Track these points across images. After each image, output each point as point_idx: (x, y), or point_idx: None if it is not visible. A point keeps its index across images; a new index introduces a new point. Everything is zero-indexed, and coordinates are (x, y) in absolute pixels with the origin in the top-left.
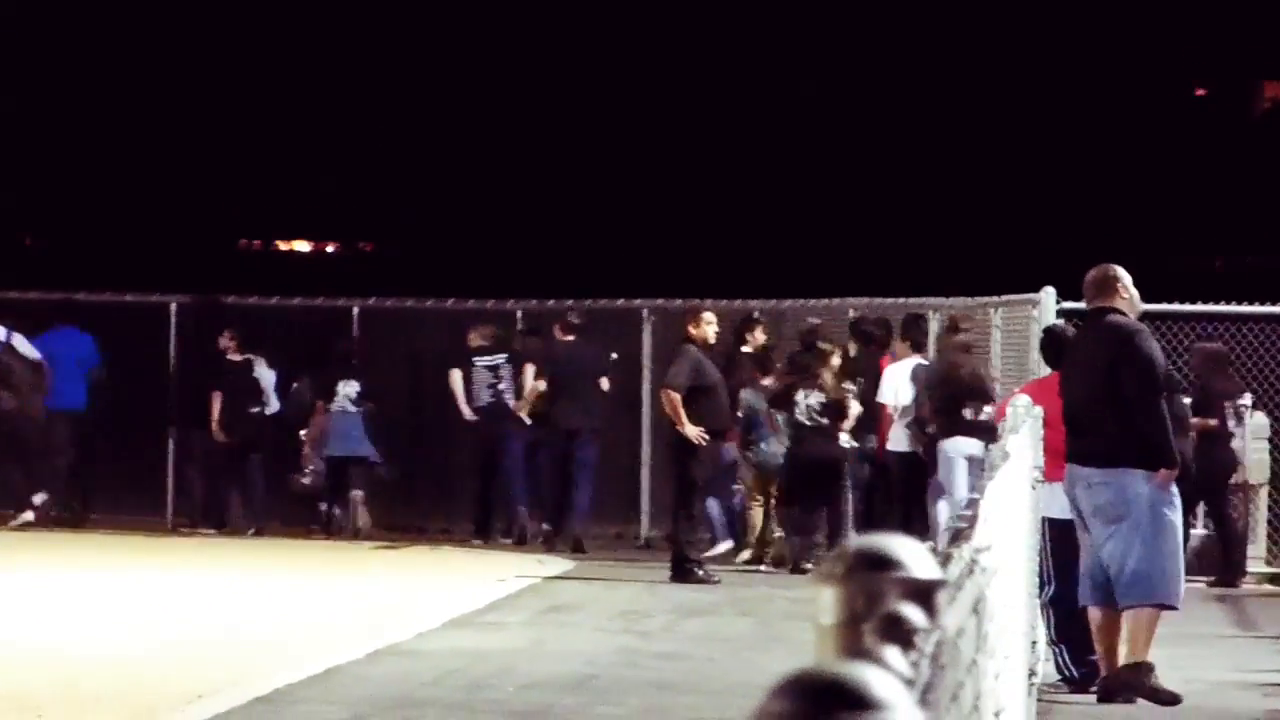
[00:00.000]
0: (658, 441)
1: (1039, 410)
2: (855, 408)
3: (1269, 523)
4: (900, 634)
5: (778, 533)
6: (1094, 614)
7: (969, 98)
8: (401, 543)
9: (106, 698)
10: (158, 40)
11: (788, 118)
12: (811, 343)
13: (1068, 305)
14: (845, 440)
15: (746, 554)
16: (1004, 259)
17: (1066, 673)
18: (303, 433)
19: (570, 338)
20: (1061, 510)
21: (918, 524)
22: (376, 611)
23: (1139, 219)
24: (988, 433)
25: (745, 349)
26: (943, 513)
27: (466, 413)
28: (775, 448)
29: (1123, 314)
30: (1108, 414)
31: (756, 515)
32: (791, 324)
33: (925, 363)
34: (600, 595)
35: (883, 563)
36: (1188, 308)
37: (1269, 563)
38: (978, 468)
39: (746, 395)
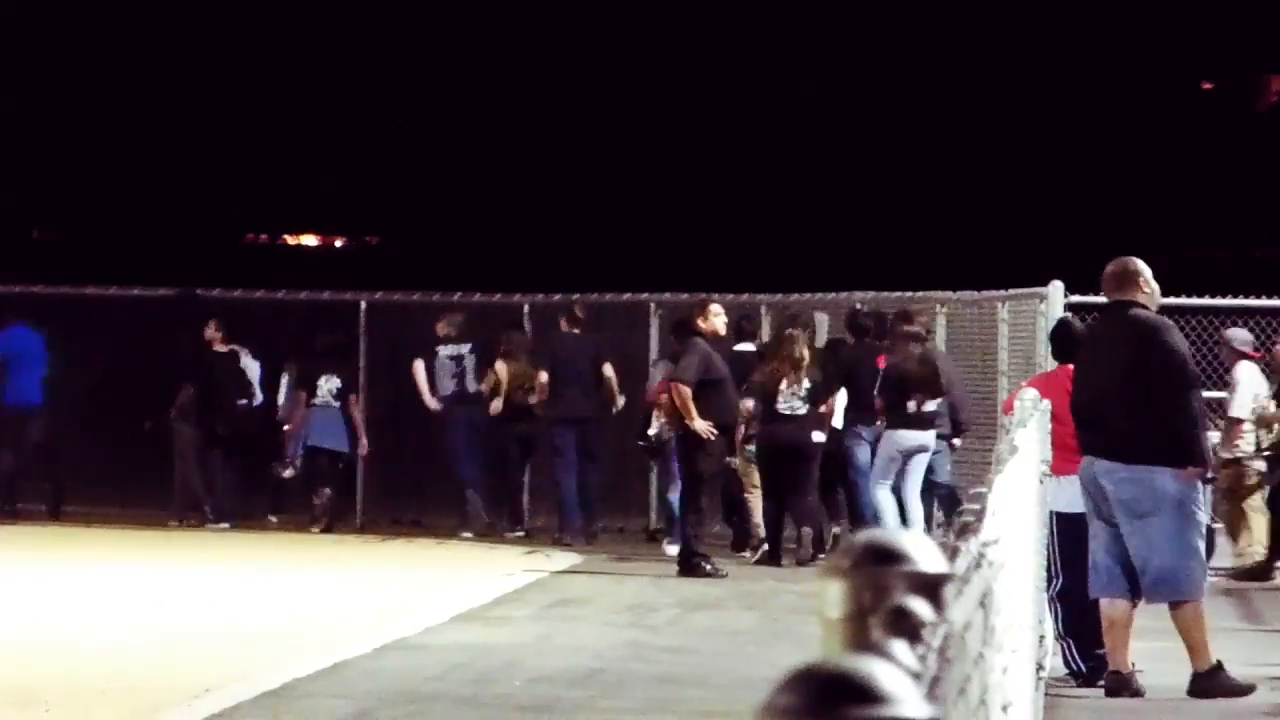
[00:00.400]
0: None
1: (1047, 404)
2: (840, 398)
3: None
4: (907, 628)
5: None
6: (1106, 606)
7: (977, 92)
8: (409, 536)
9: (113, 691)
10: (164, 35)
11: (795, 113)
12: (782, 334)
13: (1076, 299)
14: (817, 435)
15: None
16: (1011, 253)
17: (1074, 666)
18: (286, 426)
19: (574, 330)
20: (1069, 504)
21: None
22: (384, 606)
23: (1146, 213)
24: (933, 425)
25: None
26: (883, 503)
27: (430, 402)
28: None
29: (1145, 308)
30: (1130, 408)
31: (755, 504)
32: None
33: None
34: (607, 589)
35: (889, 556)
36: (1200, 301)
37: None
38: (923, 459)
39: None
